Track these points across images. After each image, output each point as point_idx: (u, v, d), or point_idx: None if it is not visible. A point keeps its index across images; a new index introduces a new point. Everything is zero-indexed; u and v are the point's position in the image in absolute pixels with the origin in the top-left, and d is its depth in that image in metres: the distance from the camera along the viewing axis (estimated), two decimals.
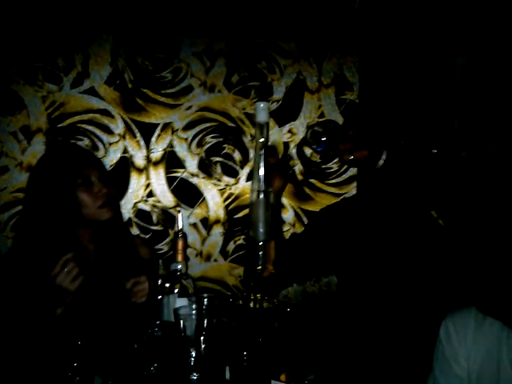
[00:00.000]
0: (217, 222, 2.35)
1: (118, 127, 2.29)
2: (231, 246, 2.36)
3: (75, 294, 1.50)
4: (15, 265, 1.62)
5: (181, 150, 2.33)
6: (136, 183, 2.31)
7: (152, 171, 2.31)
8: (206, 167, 2.34)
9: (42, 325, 1.49)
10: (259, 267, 1.29)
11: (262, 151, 1.32)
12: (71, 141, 2.23)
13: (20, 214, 1.85)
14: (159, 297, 1.42)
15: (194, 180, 2.34)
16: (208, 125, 2.33)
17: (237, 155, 2.35)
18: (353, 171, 2.37)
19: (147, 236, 2.29)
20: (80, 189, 1.65)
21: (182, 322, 1.24)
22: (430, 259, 1.50)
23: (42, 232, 1.63)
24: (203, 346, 1.22)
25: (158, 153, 2.32)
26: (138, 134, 2.30)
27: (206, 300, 1.25)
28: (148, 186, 2.32)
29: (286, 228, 2.37)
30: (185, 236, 1.47)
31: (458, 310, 1.23)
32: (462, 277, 1.38)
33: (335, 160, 1.58)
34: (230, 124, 2.34)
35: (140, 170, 2.31)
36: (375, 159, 1.43)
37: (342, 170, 2.39)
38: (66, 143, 2.20)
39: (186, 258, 1.46)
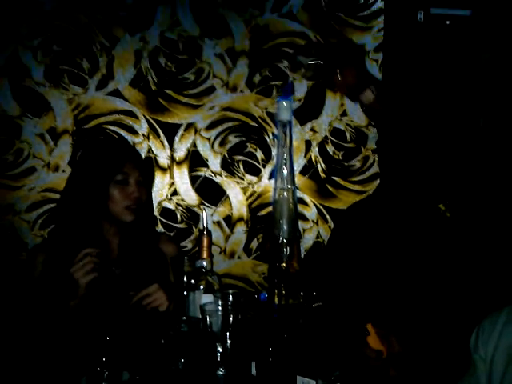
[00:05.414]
0: (240, 219, 2.37)
1: (142, 128, 2.32)
2: (254, 244, 2.37)
3: (87, 288, 1.54)
4: (44, 253, 1.69)
5: (204, 150, 2.35)
6: (160, 182, 2.34)
7: (176, 170, 2.34)
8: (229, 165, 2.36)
9: (55, 315, 1.54)
10: (284, 264, 1.30)
11: (285, 149, 1.33)
12: None
13: (57, 202, 1.91)
14: (185, 293, 1.44)
15: (217, 179, 2.36)
16: (230, 124, 2.35)
17: (259, 154, 2.36)
18: (376, 169, 2.36)
19: (171, 233, 2.32)
20: (115, 185, 1.69)
21: (208, 317, 1.26)
22: (461, 262, 1.47)
23: (71, 222, 1.69)
24: (229, 342, 1.23)
25: (181, 152, 2.34)
26: (162, 134, 2.33)
27: (231, 296, 1.27)
28: (172, 184, 2.35)
29: (308, 225, 2.38)
30: (209, 233, 1.49)
31: (489, 315, 1.21)
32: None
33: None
34: (253, 123, 2.35)
35: (164, 170, 2.34)
36: (361, 86, 1.53)
37: (366, 167, 2.39)
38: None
39: (210, 255, 1.48)
